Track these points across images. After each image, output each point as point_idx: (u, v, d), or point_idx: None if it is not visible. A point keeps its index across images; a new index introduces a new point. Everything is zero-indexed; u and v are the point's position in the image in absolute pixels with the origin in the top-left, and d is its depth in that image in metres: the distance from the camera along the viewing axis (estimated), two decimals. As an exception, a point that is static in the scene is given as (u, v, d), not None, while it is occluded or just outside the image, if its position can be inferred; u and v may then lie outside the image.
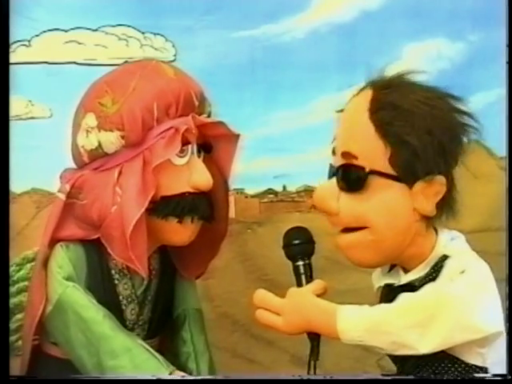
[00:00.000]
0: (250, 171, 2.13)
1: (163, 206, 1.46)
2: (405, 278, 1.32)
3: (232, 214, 2.21)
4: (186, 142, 1.47)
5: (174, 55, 2.15)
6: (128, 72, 1.53)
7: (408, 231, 1.28)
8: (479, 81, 2.15)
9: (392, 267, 1.38)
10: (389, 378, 1.33)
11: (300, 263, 1.35)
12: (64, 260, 1.49)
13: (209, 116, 1.56)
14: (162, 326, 1.62)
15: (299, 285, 1.34)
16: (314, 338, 1.31)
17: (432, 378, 1.25)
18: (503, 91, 1.91)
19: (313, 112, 2.17)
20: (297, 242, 1.36)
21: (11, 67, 1.91)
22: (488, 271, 1.26)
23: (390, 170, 1.26)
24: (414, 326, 1.19)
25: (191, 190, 1.47)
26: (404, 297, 1.24)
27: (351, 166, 1.29)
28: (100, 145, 1.48)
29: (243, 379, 1.36)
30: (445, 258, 1.27)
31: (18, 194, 2.10)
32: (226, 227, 1.62)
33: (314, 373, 1.32)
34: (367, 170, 1.27)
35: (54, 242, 1.50)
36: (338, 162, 1.32)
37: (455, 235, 1.33)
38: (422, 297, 1.23)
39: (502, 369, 1.27)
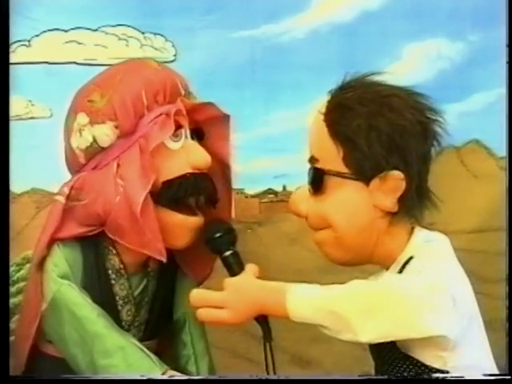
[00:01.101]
0: (250, 171, 2.13)
1: (166, 190, 1.46)
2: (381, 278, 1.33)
3: (232, 213, 2.22)
4: (178, 126, 1.48)
5: (174, 55, 2.15)
6: (114, 69, 1.56)
7: (370, 228, 1.30)
8: (479, 81, 2.15)
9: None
10: (388, 378, 1.33)
11: (228, 253, 1.37)
12: (60, 259, 1.48)
13: None
14: (160, 328, 1.61)
15: (234, 274, 1.35)
16: (262, 321, 1.32)
17: (430, 378, 1.25)
18: (503, 91, 1.91)
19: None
20: (219, 234, 1.38)
21: (11, 67, 1.91)
22: (450, 277, 1.24)
23: (344, 169, 1.29)
24: (359, 311, 1.19)
25: (191, 171, 1.48)
26: (356, 281, 1.25)
27: (313, 169, 1.33)
28: (95, 139, 1.48)
29: (243, 379, 1.36)
30: (410, 258, 1.28)
31: (18, 194, 2.10)
32: (229, 214, 1.59)
33: (272, 355, 1.33)
34: (324, 171, 1.31)
35: (52, 243, 1.50)
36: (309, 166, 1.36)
37: (434, 237, 1.32)
38: (371, 285, 1.25)
39: (464, 373, 1.25)
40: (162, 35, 2.15)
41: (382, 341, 1.20)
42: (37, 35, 2.11)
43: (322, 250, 1.37)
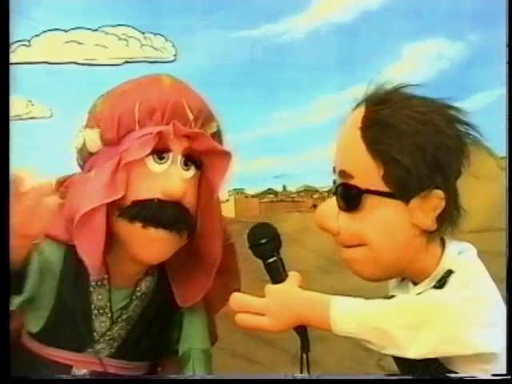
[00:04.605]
0: (250, 171, 2.14)
1: (130, 209, 1.42)
2: (413, 291, 1.31)
3: (232, 214, 2.22)
4: (165, 148, 1.43)
5: (174, 55, 2.15)
6: (132, 80, 1.51)
7: (408, 247, 1.27)
8: (479, 81, 2.15)
9: (403, 278, 1.37)
10: (388, 378, 1.33)
11: (272, 260, 1.33)
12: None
13: (215, 135, 1.51)
14: (143, 352, 1.56)
15: (276, 281, 1.31)
16: (301, 331, 1.29)
17: (432, 378, 1.25)
18: (503, 91, 1.90)
19: (313, 112, 2.17)
20: (264, 240, 1.34)
21: (11, 67, 1.91)
22: (492, 289, 1.24)
23: (384, 188, 1.25)
24: (406, 327, 1.17)
25: (161, 197, 1.42)
26: (401, 297, 1.24)
27: (347, 186, 1.28)
28: (84, 143, 1.47)
29: (243, 379, 1.36)
30: (450, 272, 1.25)
31: (18, 194, 2.09)
32: (218, 250, 1.53)
33: (308, 365, 1.32)
34: (362, 189, 1.26)
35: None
36: (337, 180, 1.32)
37: (464, 248, 1.31)
38: (418, 300, 1.22)
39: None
40: (162, 35, 2.15)
41: (429, 357, 1.19)
42: (37, 35, 2.11)
43: (351, 266, 1.32)
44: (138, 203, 1.42)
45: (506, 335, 1.23)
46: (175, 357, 1.60)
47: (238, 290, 1.52)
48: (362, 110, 1.29)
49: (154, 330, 1.56)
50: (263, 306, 1.27)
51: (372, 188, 1.26)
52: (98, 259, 1.43)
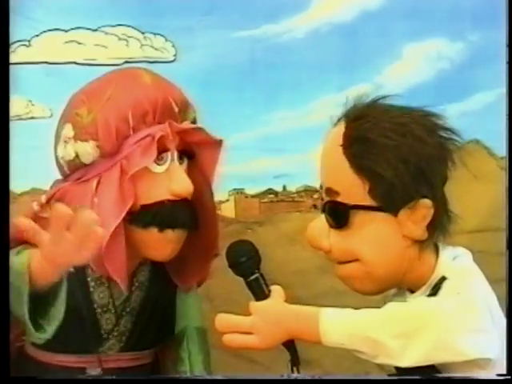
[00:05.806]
0: (250, 171, 2.14)
1: (143, 215, 1.44)
2: (409, 300, 1.31)
3: (232, 214, 2.22)
4: (164, 150, 1.44)
5: (174, 55, 2.15)
6: (105, 81, 1.51)
7: (401, 258, 1.27)
8: (479, 81, 2.15)
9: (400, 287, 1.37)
10: (388, 378, 1.33)
11: (253, 277, 1.31)
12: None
13: (194, 122, 1.53)
14: (148, 340, 1.58)
15: (260, 298, 1.29)
16: (290, 344, 1.28)
17: (432, 378, 1.25)
18: (503, 91, 1.90)
19: (313, 112, 2.17)
20: (244, 258, 1.31)
21: (11, 67, 1.91)
22: (485, 293, 1.23)
23: (371, 202, 1.25)
24: (397, 336, 1.17)
25: (171, 198, 1.44)
26: (391, 305, 1.23)
27: (334, 203, 1.28)
28: (77, 155, 1.47)
29: (243, 379, 1.36)
30: (443, 279, 1.25)
31: (18, 194, 2.10)
32: (215, 235, 1.57)
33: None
34: (349, 205, 1.26)
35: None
36: (324, 197, 1.31)
37: (459, 253, 1.30)
38: (409, 307, 1.22)
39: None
40: (162, 35, 2.15)
41: (421, 365, 1.18)
42: (37, 35, 2.11)
43: (347, 283, 1.32)
44: (148, 208, 1.44)
45: (506, 336, 1.22)
46: (172, 337, 1.62)
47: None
48: (341, 127, 1.29)
49: (156, 317, 1.58)
50: (250, 324, 1.25)
51: (359, 203, 1.26)
52: (126, 273, 1.45)
